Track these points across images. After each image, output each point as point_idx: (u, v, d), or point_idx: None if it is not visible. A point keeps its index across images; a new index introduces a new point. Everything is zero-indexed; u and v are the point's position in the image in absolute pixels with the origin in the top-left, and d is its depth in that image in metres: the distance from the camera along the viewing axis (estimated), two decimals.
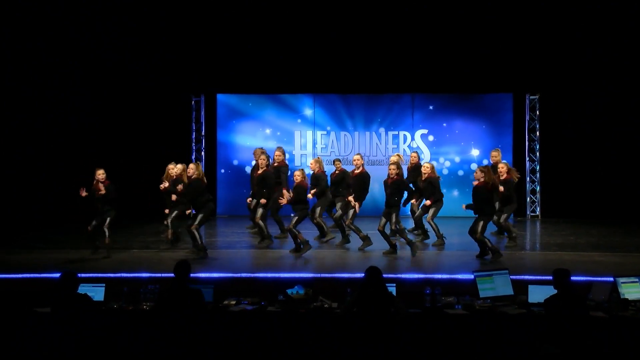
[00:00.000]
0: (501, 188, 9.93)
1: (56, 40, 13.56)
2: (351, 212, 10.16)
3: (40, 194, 13.79)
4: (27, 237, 11.62)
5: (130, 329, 6.63)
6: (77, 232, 12.24)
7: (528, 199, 15.49)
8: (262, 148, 11.60)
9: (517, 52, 14.63)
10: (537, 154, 15.49)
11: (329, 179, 10.78)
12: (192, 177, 9.68)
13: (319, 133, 15.59)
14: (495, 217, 10.14)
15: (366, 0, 14.32)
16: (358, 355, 5.76)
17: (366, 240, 10.00)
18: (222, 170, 15.59)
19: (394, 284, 6.85)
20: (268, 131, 15.64)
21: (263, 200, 10.35)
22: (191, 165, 9.91)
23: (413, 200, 11.28)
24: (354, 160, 10.46)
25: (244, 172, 15.25)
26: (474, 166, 15.22)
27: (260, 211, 10.41)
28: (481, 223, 9.17)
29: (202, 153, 15.84)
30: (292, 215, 10.15)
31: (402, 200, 10.21)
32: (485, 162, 15.28)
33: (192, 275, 6.26)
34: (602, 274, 7.71)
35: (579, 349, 5.61)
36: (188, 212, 10.44)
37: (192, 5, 14.47)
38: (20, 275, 8.05)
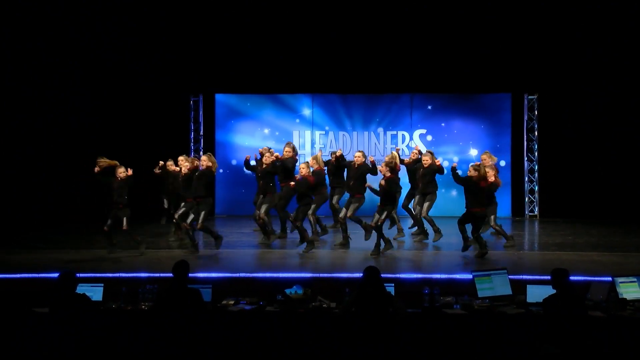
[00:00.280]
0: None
1: (56, 40, 13.56)
2: (353, 206, 10.11)
3: (40, 194, 13.79)
4: (27, 237, 11.61)
5: (129, 329, 6.62)
6: (77, 232, 12.30)
7: (527, 198, 15.51)
8: (268, 148, 11.69)
9: (515, 52, 14.65)
10: (536, 153, 15.50)
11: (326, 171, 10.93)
12: (205, 168, 9.88)
13: (317, 133, 15.59)
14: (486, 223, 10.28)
15: (365, 0, 14.33)
16: (357, 355, 5.76)
17: (368, 230, 9.96)
18: (221, 170, 15.57)
19: (393, 284, 6.86)
20: (266, 131, 15.64)
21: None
22: (204, 157, 10.09)
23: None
24: (355, 157, 10.45)
25: (242, 172, 15.23)
26: None
27: (264, 207, 10.47)
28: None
29: (201, 153, 15.81)
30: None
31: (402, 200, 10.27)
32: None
33: (190, 275, 6.26)
34: (600, 273, 7.71)
35: (577, 349, 5.62)
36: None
37: (191, 6, 14.48)
38: (18, 275, 8.04)
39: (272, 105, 15.67)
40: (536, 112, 15.48)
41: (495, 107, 15.43)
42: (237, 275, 8.03)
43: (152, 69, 14.71)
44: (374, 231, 9.60)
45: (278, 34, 14.69)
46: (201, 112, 16.01)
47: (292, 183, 9.96)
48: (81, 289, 6.28)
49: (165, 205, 11.61)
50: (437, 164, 10.58)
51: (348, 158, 14.88)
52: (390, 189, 9.55)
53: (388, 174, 9.58)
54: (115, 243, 9.62)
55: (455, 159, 15.29)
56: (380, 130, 15.54)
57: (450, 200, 14.39)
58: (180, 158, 10.65)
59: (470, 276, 7.19)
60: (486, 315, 6.71)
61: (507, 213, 15.39)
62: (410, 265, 8.89)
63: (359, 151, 10.65)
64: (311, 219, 10.76)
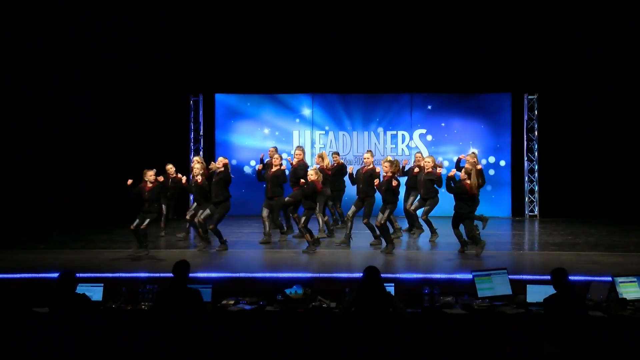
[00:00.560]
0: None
1: (56, 40, 13.56)
2: (366, 210, 10.20)
3: (40, 194, 13.78)
4: (27, 237, 11.61)
5: (129, 329, 6.62)
6: (77, 232, 12.29)
7: (526, 198, 15.51)
8: (276, 148, 11.75)
9: (515, 51, 14.65)
10: (536, 153, 15.50)
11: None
12: (221, 170, 10.05)
13: (317, 133, 15.59)
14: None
15: (365, 0, 14.33)
16: (357, 355, 5.76)
17: (378, 238, 10.09)
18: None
19: (393, 284, 6.86)
20: (266, 131, 15.64)
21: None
22: (220, 158, 10.24)
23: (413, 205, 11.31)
24: (365, 158, 10.55)
25: (242, 172, 15.26)
26: None
27: (275, 212, 10.74)
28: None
29: (201, 153, 15.83)
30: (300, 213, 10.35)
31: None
32: (484, 161, 15.34)
33: (190, 275, 6.25)
34: (600, 273, 7.71)
35: (578, 349, 5.62)
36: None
37: (191, 6, 14.47)
38: (18, 275, 8.04)
39: (272, 105, 15.67)
40: (536, 112, 15.48)
41: (495, 106, 15.44)
42: (237, 275, 8.04)
43: (152, 69, 14.71)
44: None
45: (278, 33, 14.69)
46: (201, 112, 16.00)
47: (302, 181, 10.02)
48: (81, 288, 6.27)
49: (164, 211, 11.57)
50: (438, 173, 10.61)
51: (346, 158, 15.06)
52: (389, 187, 9.66)
53: (389, 174, 9.70)
54: (147, 244, 9.63)
55: (455, 158, 15.26)
56: (380, 130, 15.54)
57: (449, 200, 14.31)
58: (197, 159, 10.62)
59: (470, 276, 7.19)
60: (486, 315, 6.71)
61: (507, 213, 15.40)
62: (410, 265, 8.88)
63: (368, 151, 10.76)
64: (319, 218, 11.03)
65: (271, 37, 14.75)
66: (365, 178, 10.23)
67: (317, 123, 15.62)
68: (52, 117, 14.07)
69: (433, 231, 10.87)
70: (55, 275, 6.08)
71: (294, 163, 11.08)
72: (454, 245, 10.25)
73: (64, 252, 9.91)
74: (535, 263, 9.09)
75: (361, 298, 5.96)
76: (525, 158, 15.55)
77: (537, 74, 15.00)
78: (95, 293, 6.90)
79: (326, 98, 15.62)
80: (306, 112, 15.65)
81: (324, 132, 15.61)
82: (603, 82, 14.62)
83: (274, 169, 10.76)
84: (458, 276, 7.85)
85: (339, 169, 11.45)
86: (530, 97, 15.55)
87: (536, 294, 6.73)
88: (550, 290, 6.05)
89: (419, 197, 10.99)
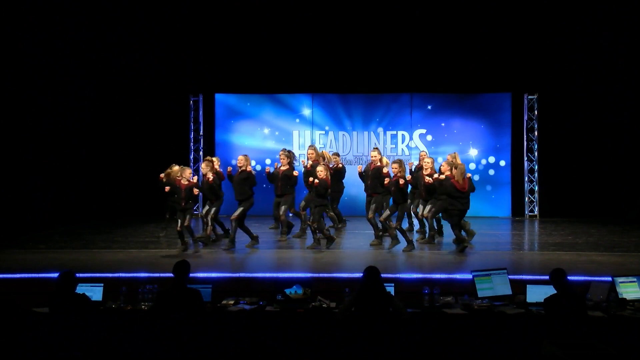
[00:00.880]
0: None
1: (56, 40, 13.55)
2: (373, 207, 10.37)
3: (41, 194, 13.77)
4: (27, 237, 11.61)
5: (129, 329, 6.61)
6: (77, 232, 12.28)
7: (526, 198, 15.51)
8: (284, 149, 11.81)
9: (515, 51, 14.66)
10: (536, 153, 15.50)
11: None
12: (242, 169, 10.28)
13: (317, 133, 15.59)
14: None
15: (365, 0, 14.33)
16: (357, 355, 5.76)
17: (395, 239, 10.06)
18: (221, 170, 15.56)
19: (392, 284, 6.86)
20: (266, 131, 15.64)
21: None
22: (240, 157, 10.46)
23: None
24: (372, 156, 10.66)
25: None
26: (472, 166, 15.25)
27: (283, 208, 10.87)
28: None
29: (201, 153, 15.83)
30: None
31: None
32: (483, 161, 15.34)
33: (190, 275, 6.25)
34: (600, 273, 7.71)
35: (578, 349, 5.61)
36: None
37: (191, 6, 14.47)
38: (18, 275, 8.03)
39: (272, 105, 15.67)
40: (536, 112, 15.48)
41: (495, 106, 15.44)
42: (237, 275, 8.03)
43: (152, 69, 14.71)
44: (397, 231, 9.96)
45: (278, 33, 14.69)
46: (201, 112, 16.00)
47: (317, 181, 10.07)
48: (81, 288, 6.27)
49: (167, 215, 11.53)
50: (435, 179, 10.47)
51: (346, 158, 15.06)
52: (397, 187, 9.79)
53: (398, 175, 9.84)
54: (187, 242, 9.87)
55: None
56: (380, 130, 15.54)
57: None
58: (214, 159, 10.90)
59: (470, 276, 7.20)
60: (486, 315, 6.71)
61: (507, 213, 15.40)
62: (410, 265, 8.88)
63: (375, 149, 10.85)
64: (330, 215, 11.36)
65: (271, 37, 14.75)
66: (373, 175, 10.37)
67: (317, 123, 15.61)
68: (52, 117, 14.05)
69: (431, 230, 10.78)
70: (55, 275, 6.09)
71: (308, 166, 11.22)
72: (454, 245, 10.25)
73: (64, 252, 9.90)
74: (535, 263, 9.09)
75: (361, 298, 5.96)
76: (525, 158, 15.55)
77: (537, 74, 15.01)
78: (95, 293, 6.91)
79: (326, 98, 15.62)
80: (306, 112, 15.65)
81: (324, 132, 15.61)
82: (603, 82, 14.62)
83: (283, 168, 10.87)
84: (458, 276, 7.84)
85: (338, 171, 11.55)
86: (530, 97, 15.55)
87: (536, 294, 6.74)
88: (550, 290, 6.05)
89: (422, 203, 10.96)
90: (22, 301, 6.89)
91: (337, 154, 11.87)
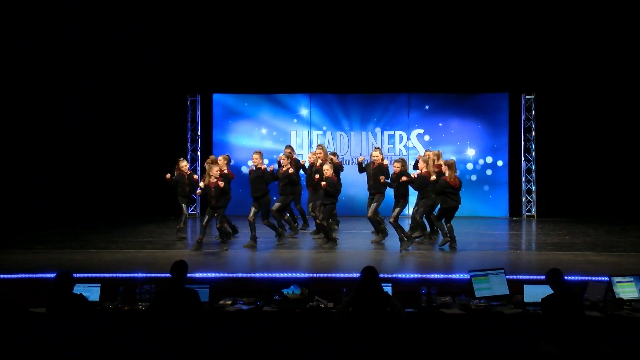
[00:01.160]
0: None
1: (56, 40, 13.53)
2: (374, 205, 10.45)
3: (41, 194, 13.75)
4: (25, 237, 11.59)
5: (126, 329, 6.61)
6: (75, 232, 12.27)
7: (524, 198, 15.53)
8: (289, 146, 12.01)
9: (513, 52, 14.68)
10: (533, 153, 15.52)
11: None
12: (257, 166, 10.40)
13: (315, 133, 15.60)
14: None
15: (363, 0, 14.33)
16: (355, 355, 5.76)
17: (410, 239, 10.08)
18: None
19: (390, 284, 6.86)
20: (264, 131, 15.65)
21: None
22: (255, 155, 10.54)
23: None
24: (374, 155, 10.73)
25: (241, 172, 15.25)
26: (469, 166, 15.26)
27: (277, 205, 10.98)
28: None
29: (198, 153, 15.83)
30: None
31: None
32: (481, 161, 15.35)
33: (188, 275, 6.25)
34: (597, 273, 7.72)
35: (575, 348, 5.62)
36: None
37: (189, 6, 14.46)
38: (15, 276, 8.01)
39: (269, 105, 15.67)
40: (533, 112, 15.50)
41: (492, 106, 15.46)
42: (234, 275, 8.03)
43: (150, 69, 14.71)
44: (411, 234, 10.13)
45: (275, 34, 14.70)
46: (199, 112, 15.99)
47: (324, 183, 10.15)
48: (78, 289, 6.27)
49: (184, 210, 11.38)
50: (422, 174, 10.53)
51: (344, 158, 15.06)
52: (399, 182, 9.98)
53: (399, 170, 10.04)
54: (225, 240, 10.19)
55: (454, 157, 15.29)
56: (378, 130, 15.55)
57: None
58: (220, 158, 10.88)
59: (467, 276, 7.20)
60: (483, 315, 6.71)
61: (505, 213, 15.42)
62: (407, 265, 8.89)
63: (377, 148, 10.95)
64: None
65: (269, 37, 14.76)
66: (375, 174, 10.47)
67: (315, 123, 15.62)
68: (52, 117, 14.03)
69: (426, 231, 10.92)
70: (53, 275, 6.07)
71: (317, 165, 11.21)
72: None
73: (62, 252, 9.88)
74: (533, 263, 9.09)
75: (359, 298, 5.96)
76: (523, 158, 15.57)
77: (534, 74, 15.03)
78: (93, 293, 6.89)
79: (324, 98, 15.63)
80: (304, 112, 15.65)
81: (321, 132, 15.61)
82: (600, 82, 14.64)
83: (285, 168, 10.98)
84: (455, 276, 7.85)
85: (334, 170, 11.42)
86: (527, 97, 15.57)
87: (533, 294, 6.74)
88: (547, 290, 6.06)
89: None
90: (20, 301, 6.89)
91: (335, 154, 11.88)
